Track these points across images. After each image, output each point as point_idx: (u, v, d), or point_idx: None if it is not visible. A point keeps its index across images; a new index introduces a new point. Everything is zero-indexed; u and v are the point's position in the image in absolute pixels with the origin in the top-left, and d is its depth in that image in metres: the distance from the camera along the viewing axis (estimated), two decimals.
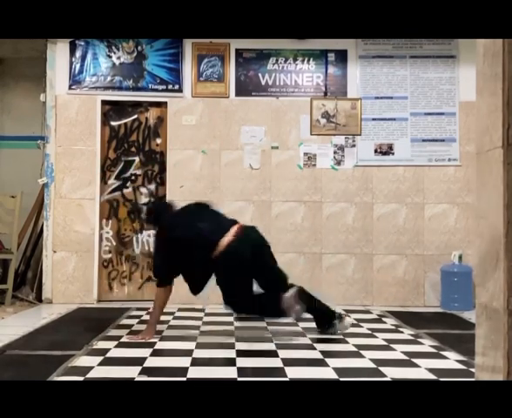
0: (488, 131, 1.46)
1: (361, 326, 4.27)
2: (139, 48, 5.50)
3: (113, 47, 5.49)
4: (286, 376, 2.83)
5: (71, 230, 5.39)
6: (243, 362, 3.09)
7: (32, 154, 5.86)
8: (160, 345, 3.54)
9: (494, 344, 1.40)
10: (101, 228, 5.50)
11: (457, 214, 5.49)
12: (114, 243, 5.55)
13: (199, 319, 4.54)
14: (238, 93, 5.53)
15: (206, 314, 4.77)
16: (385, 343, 3.67)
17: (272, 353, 3.32)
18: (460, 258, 5.24)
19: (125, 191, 5.58)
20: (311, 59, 5.58)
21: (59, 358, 3.11)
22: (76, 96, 5.45)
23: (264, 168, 5.48)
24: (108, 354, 3.25)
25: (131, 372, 2.85)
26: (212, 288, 5.36)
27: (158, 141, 5.61)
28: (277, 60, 5.57)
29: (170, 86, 5.50)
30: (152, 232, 5.55)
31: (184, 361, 3.09)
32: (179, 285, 5.38)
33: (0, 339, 3.58)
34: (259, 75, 5.55)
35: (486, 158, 1.47)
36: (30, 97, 6.15)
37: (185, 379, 2.74)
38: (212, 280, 3.69)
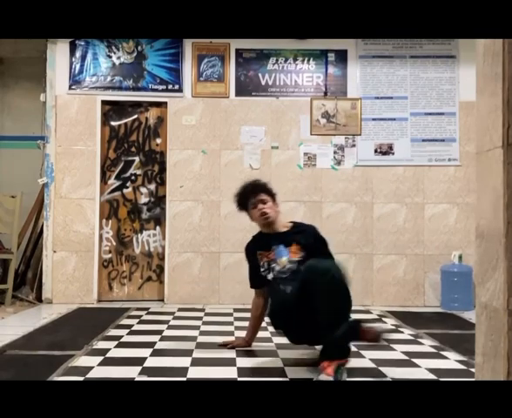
0: (488, 131, 1.46)
1: None
2: (139, 48, 5.50)
3: (113, 47, 5.49)
4: (286, 376, 2.83)
5: (71, 230, 5.39)
6: (243, 362, 3.09)
7: (32, 154, 5.86)
8: (160, 345, 3.54)
9: (494, 344, 1.40)
10: (101, 228, 5.50)
11: (457, 214, 5.49)
12: (114, 243, 5.55)
13: (199, 319, 4.54)
14: (238, 93, 5.53)
15: (206, 314, 4.77)
16: (385, 343, 3.67)
17: (272, 353, 3.33)
18: (460, 258, 5.24)
19: (125, 191, 5.58)
20: (311, 59, 5.58)
21: (59, 358, 3.11)
22: (76, 96, 5.45)
23: (264, 168, 5.48)
24: (108, 354, 3.25)
25: (131, 372, 2.85)
26: (213, 289, 5.39)
27: (158, 141, 5.61)
28: (277, 60, 5.57)
29: (170, 86, 5.50)
30: (152, 232, 5.58)
31: (184, 361, 3.09)
32: (178, 285, 5.40)
33: (0, 339, 3.58)
34: (259, 75, 5.55)
35: (486, 158, 1.47)
36: (30, 97, 6.14)
37: (185, 379, 2.74)
38: None
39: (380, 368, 2.99)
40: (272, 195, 3.31)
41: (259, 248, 3.26)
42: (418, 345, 3.65)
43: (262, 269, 3.22)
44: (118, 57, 5.49)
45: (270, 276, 3.17)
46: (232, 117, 5.50)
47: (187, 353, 3.29)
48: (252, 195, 3.26)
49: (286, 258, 3.14)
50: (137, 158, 5.60)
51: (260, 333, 3.56)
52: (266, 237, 3.28)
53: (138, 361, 3.07)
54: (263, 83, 5.55)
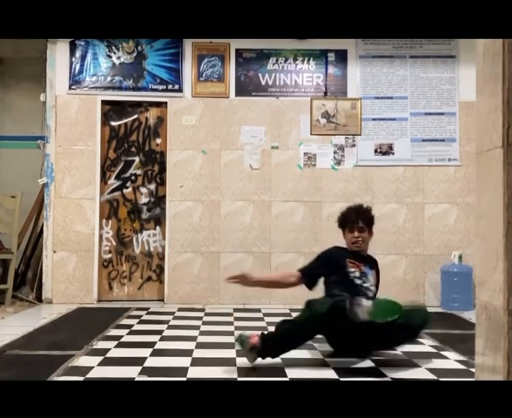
0: (488, 131, 1.46)
1: None
2: (139, 48, 5.50)
3: (113, 47, 5.49)
4: (286, 376, 2.83)
5: (71, 230, 5.39)
6: (243, 362, 3.09)
7: (32, 154, 5.86)
8: (160, 345, 3.54)
9: (494, 344, 1.40)
10: (101, 228, 5.50)
11: (457, 214, 5.49)
12: (114, 243, 5.55)
13: (199, 319, 4.54)
14: (238, 93, 5.53)
15: (206, 314, 4.77)
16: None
17: None
18: (460, 258, 5.23)
19: (125, 191, 5.58)
20: (311, 59, 5.57)
21: (59, 358, 3.11)
22: (76, 96, 5.45)
23: (264, 168, 5.48)
24: (108, 354, 3.25)
25: (131, 372, 2.85)
26: (213, 289, 5.39)
27: (158, 141, 5.61)
28: (277, 60, 5.56)
29: (170, 86, 5.50)
30: (152, 232, 5.58)
31: (184, 361, 3.09)
32: (178, 284, 5.40)
33: (0, 339, 3.58)
34: (259, 75, 5.55)
35: (486, 158, 1.47)
36: (30, 97, 6.14)
37: (185, 379, 2.74)
38: None
39: (380, 368, 2.99)
40: (370, 225, 3.58)
41: (349, 257, 3.46)
42: (418, 345, 3.64)
43: (352, 274, 3.40)
44: (118, 57, 5.49)
45: (359, 282, 3.39)
46: (232, 117, 5.50)
47: (187, 353, 3.29)
48: (353, 219, 3.52)
49: (371, 278, 3.46)
50: (137, 158, 5.60)
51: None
52: (355, 253, 3.50)
53: (138, 361, 3.07)
54: (263, 83, 5.55)
